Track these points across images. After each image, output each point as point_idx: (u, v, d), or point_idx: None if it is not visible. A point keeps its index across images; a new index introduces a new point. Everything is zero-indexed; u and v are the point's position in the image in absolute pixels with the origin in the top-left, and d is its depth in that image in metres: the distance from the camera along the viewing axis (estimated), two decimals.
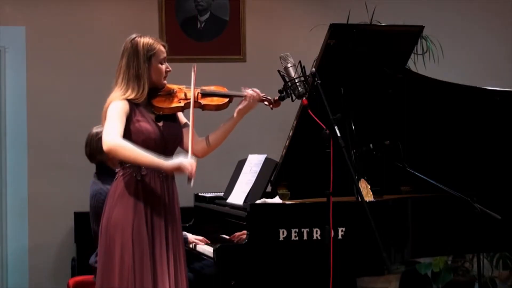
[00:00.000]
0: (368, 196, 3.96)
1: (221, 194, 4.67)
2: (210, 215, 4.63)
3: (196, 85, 3.67)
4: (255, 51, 6.28)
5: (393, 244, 3.95)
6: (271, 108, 3.81)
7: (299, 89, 3.78)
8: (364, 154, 4.18)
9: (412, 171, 4.27)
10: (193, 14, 6.24)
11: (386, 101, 4.33)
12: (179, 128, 3.66)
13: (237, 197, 4.32)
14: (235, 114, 3.69)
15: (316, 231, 3.78)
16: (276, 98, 3.78)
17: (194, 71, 3.64)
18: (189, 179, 3.36)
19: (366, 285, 5.61)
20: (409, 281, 5.98)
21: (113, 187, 3.52)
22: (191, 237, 4.31)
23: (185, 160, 3.39)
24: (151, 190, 3.48)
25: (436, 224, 4.24)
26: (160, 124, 3.55)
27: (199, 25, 6.23)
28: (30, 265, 5.99)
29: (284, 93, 3.81)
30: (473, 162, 4.54)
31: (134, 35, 3.61)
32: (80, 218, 5.70)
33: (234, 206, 4.27)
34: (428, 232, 4.22)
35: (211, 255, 3.88)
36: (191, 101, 3.60)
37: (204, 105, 3.66)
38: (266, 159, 4.31)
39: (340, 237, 3.80)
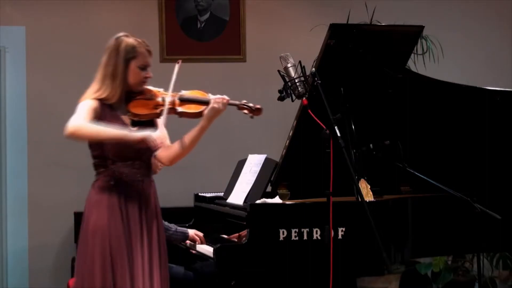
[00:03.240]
0: (368, 196, 3.95)
1: (221, 194, 4.67)
2: (210, 215, 4.62)
3: (177, 88, 3.54)
4: (255, 51, 6.27)
5: (393, 244, 3.94)
6: (251, 117, 3.64)
7: (299, 89, 3.77)
8: (364, 154, 4.18)
9: (412, 171, 4.27)
10: (193, 14, 6.24)
11: (386, 101, 4.33)
12: None
13: (237, 197, 4.31)
14: (202, 119, 3.52)
15: (316, 231, 3.78)
16: (258, 106, 3.63)
17: (175, 72, 3.54)
18: (154, 150, 3.39)
19: (366, 285, 5.61)
20: (409, 281, 5.98)
21: (89, 196, 3.50)
22: (192, 232, 4.30)
23: (152, 133, 3.34)
24: (125, 194, 3.44)
25: (436, 224, 4.24)
26: (135, 129, 3.43)
27: (199, 25, 6.23)
28: (30, 265, 5.98)
29: (284, 93, 3.80)
30: (473, 162, 4.53)
31: (121, 34, 3.51)
32: (80, 218, 5.65)
33: (234, 206, 4.26)
34: (428, 232, 4.21)
35: (211, 255, 3.88)
36: (165, 108, 3.47)
37: (181, 112, 3.53)
38: (266, 159, 4.31)
39: (340, 237, 3.80)
